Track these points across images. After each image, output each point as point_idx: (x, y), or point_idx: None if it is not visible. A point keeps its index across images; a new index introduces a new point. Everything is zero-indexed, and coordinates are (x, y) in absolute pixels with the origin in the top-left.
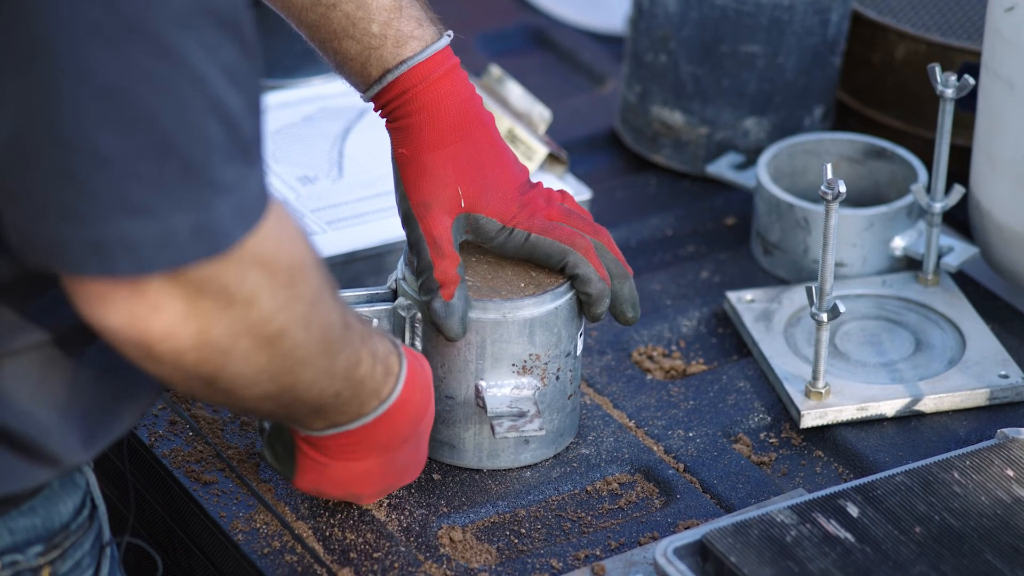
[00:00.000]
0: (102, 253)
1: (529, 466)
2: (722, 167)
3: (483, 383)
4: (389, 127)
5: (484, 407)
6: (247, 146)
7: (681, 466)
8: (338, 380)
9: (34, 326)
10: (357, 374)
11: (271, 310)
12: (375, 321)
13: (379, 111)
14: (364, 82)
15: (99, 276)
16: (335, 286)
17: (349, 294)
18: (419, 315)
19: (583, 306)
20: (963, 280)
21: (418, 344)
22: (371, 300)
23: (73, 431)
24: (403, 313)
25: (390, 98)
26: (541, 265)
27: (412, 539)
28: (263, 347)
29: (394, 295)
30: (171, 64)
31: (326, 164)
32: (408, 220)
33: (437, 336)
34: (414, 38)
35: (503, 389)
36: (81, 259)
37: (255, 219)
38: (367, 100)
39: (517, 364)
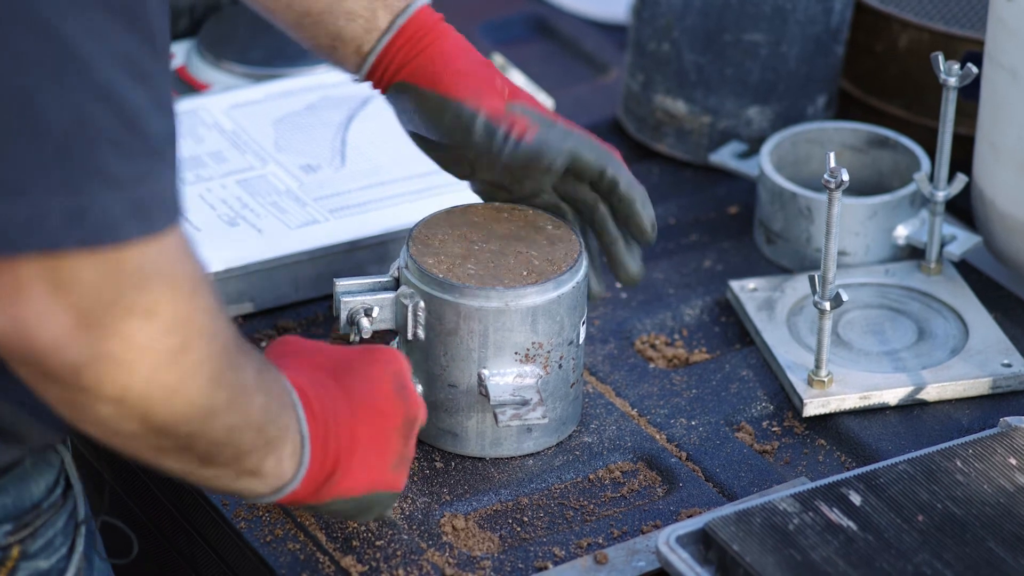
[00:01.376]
0: None
1: (532, 454)
2: (725, 156)
3: (486, 371)
4: (407, 70)
5: (487, 395)
6: (153, 146)
7: (684, 454)
8: (254, 392)
9: None
10: (266, 379)
11: (172, 321)
12: (376, 309)
13: (388, 64)
14: (370, 38)
15: None
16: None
17: (352, 282)
18: (421, 303)
19: (628, 221)
20: (966, 269)
21: (421, 333)
22: (374, 289)
23: (44, 411)
24: (406, 302)
25: (404, 40)
26: (575, 171)
27: (415, 527)
28: (169, 363)
29: (397, 283)
30: (50, 44)
31: (329, 152)
32: (472, 120)
33: (439, 325)
34: None
35: (506, 377)
36: None
37: (159, 224)
38: (371, 61)
39: (520, 352)
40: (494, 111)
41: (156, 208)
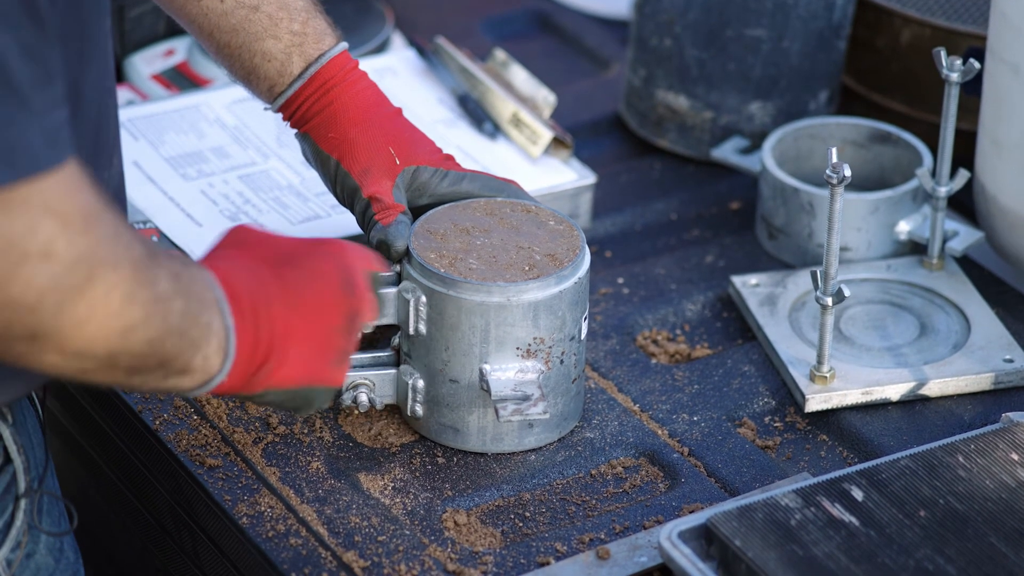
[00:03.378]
0: None
1: (533, 450)
2: (727, 151)
3: (487, 367)
4: (311, 124)
5: (488, 391)
6: (16, 89)
7: (686, 450)
8: (172, 299)
9: None
10: (184, 283)
11: (72, 260)
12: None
13: (296, 109)
14: (282, 81)
15: None
16: (127, 221)
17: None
18: (423, 298)
19: None
20: (968, 264)
21: (422, 328)
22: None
23: None
24: (408, 296)
25: (312, 89)
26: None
27: (417, 523)
28: (76, 297)
29: (399, 279)
30: None
31: None
32: (353, 194)
33: (441, 320)
34: (328, 35)
35: (507, 373)
36: None
37: (31, 167)
38: (280, 103)
39: (521, 348)
40: (373, 194)
41: (26, 151)
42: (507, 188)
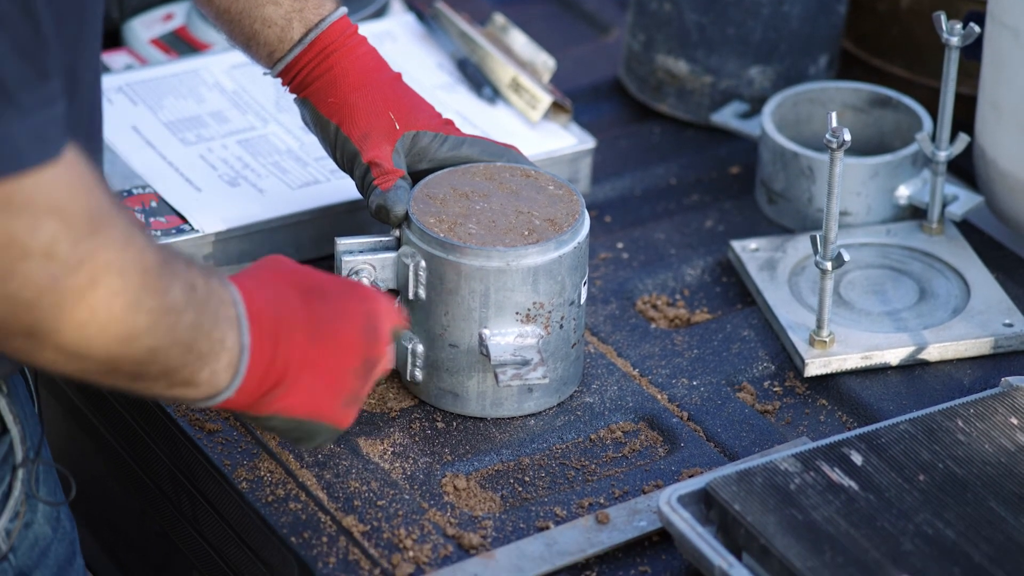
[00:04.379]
0: None
1: (533, 414)
2: (727, 116)
3: (487, 331)
4: (311, 89)
5: (488, 355)
6: (3, 87)
7: (685, 414)
8: (182, 311)
9: None
10: (198, 296)
11: (76, 260)
12: (370, 269)
13: (296, 75)
14: (282, 47)
15: None
16: (144, 227)
17: (353, 241)
18: (423, 263)
19: None
20: (968, 229)
21: (422, 293)
22: (375, 248)
23: None
24: (407, 261)
25: (313, 55)
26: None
27: (416, 487)
28: (77, 300)
29: (398, 243)
30: None
31: None
32: (353, 159)
33: (440, 285)
34: (328, 0)
35: (506, 337)
36: None
37: (12, 165)
38: (280, 68)
39: (521, 312)
40: (373, 158)
41: (12, 148)
42: (507, 153)
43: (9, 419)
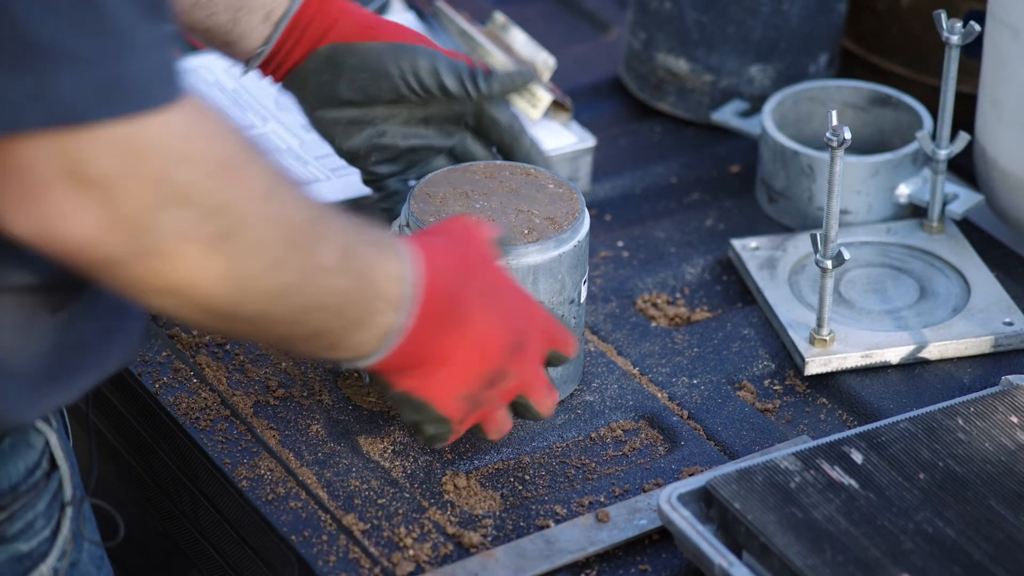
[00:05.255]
0: None
1: None
2: (727, 115)
3: None
4: (339, 31)
5: None
6: (108, 22)
7: (685, 413)
8: (337, 275)
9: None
10: (356, 263)
11: (211, 208)
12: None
13: (307, 28)
14: (271, 19)
15: None
16: (296, 183)
17: None
18: None
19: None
20: (968, 227)
21: None
22: None
23: (19, 391)
24: None
25: (309, 15)
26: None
27: (416, 486)
28: (216, 250)
29: None
30: None
31: None
32: (424, 70)
33: None
34: None
35: None
36: None
37: (141, 102)
38: (283, 29)
39: None
40: (451, 54)
41: (128, 88)
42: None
43: (59, 455)
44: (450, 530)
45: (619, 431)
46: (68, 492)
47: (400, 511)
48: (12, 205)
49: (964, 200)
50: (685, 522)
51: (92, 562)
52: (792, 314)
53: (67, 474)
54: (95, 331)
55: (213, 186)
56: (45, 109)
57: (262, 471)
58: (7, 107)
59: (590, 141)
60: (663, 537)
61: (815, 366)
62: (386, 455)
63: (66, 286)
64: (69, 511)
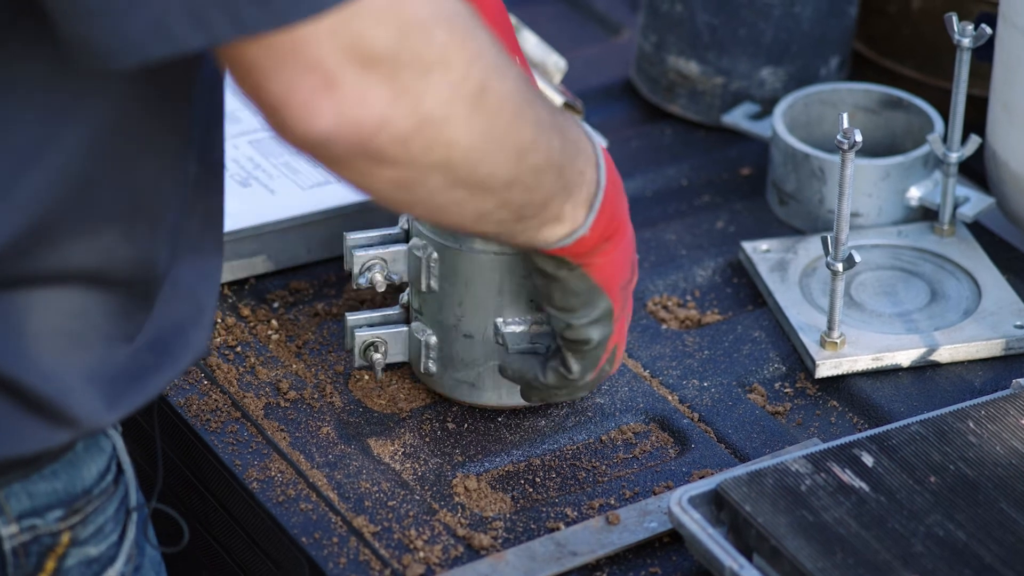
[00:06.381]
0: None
1: (544, 415)
2: (738, 117)
3: (500, 320)
4: None
5: (504, 344)
6: None
7: (696, 416)
8: (551, 131)
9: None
10: (559, 120)
11: (465, 65)
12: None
13: None
14: None
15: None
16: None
17: (363, 236)
18: (435, 255)
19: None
20: (979, 230)
21: (434, 284)
22: (384, 241)
23: (97, 393)
24: (419, 253)
25: None
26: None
27: (427, 488)
28: (475, 108)
29: (407, 235)
30: None
31: None
32: None
33: (454, 276)
34: None
35: (521, 326)
36: (238, 19)
37: None
38: None
39: (535, 299)
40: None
41: None
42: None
43: (126, 460)
44: (460, 532)
45: (629, 434)
46: (133, 498)
47: (410, 513)
48: (313, 103)
49: (975, 203)
50: (696, 525)
51: (152, 568)
52: (803, 317)
53: (132, 479)
54: (170, 327)
55: (461, 43)
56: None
57: (272, 473)
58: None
59: (601, 143)
60: (673, 540)
61: (826, 369)
62: (396, 457)
63: (151, 276)
64: (134, 516)
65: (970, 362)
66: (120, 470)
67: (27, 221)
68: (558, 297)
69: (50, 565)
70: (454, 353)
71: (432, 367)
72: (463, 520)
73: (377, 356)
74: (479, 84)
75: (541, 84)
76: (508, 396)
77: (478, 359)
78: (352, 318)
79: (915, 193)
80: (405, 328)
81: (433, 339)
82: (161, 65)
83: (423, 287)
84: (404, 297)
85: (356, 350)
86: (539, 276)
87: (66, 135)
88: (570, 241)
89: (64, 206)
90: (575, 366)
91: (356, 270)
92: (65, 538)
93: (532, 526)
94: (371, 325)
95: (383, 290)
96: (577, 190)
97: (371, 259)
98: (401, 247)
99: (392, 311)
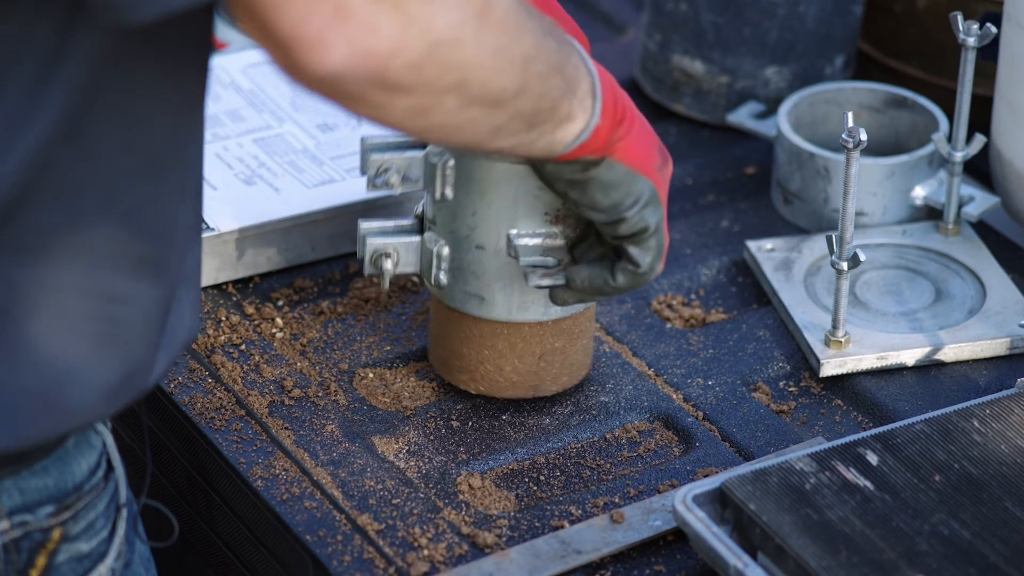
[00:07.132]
0: None
1: (548, 413)
2: (742, 116)
3: (515, 232)
4: None
5: (516, 256)
6: None
7: (700, 414)
8: (547, 35)
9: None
10: (547, 24)
11: None
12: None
13: None
14: None
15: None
16: None
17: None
18: (451, 162)
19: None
20: (984, 229)
21: (449, 192)
22: (397, 231)
23: (97, 384)
24: (435, 160)
25: None
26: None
27: (431, 486)
28: (482, 25)
29: (420, 226)
30: None
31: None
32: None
33: (469, 184)
34: None
35: (535, 239)
36: None
37: None
38: None
39: (550, 213)
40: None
41: None
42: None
43: (116, 457)
44: (465, 530)
45: (634, 432)
46: (123, 494)
47: (415, 511)
48: (325, 35)
49: (980, 202)
50: (700, 523)
51: (142, 563)
52: (807, 316)
53: (122, 475)
54: (162, 313)
55: None
56: None
57: (277, 471)
58: None
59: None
60: (678, 538)
61: (830, 368)
62: (401, 455)
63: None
64: (124, 512)
65: (975, 361)
66: (110, 466)
67: (23, 177)
68: (600, 198)
69: (41, 561)
70: (465, 264)
71: (443, 279)
72: (467, 518)
73: (387, 265)
74: (483, 1)
75: None
76: (518, 311)
77: (489, 271)
78: (365, 224)
79: (920, 192)
80: (418, 238)
81: (446, 250)
82: (185, 14)
83: (438, 195)
84: (419, 208)
85: (367, 257)
86: (574, 188)
87: (64, 81)
88: (587, 135)
89: (63, 158)
90: (643, 258)
91: (372, 172)
92: (56, 534)
93: (536, 524)
94: (384, 233)
95: (399, 191)
96: (577, 85)
97: (387, 161)
98: (417, 152)
99: (406, 221)
